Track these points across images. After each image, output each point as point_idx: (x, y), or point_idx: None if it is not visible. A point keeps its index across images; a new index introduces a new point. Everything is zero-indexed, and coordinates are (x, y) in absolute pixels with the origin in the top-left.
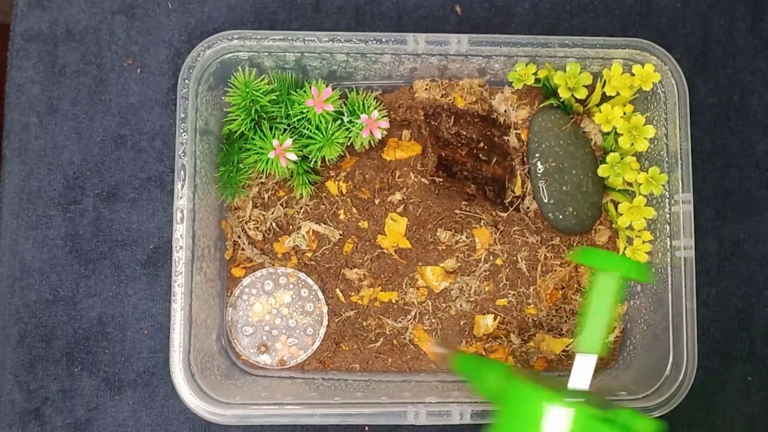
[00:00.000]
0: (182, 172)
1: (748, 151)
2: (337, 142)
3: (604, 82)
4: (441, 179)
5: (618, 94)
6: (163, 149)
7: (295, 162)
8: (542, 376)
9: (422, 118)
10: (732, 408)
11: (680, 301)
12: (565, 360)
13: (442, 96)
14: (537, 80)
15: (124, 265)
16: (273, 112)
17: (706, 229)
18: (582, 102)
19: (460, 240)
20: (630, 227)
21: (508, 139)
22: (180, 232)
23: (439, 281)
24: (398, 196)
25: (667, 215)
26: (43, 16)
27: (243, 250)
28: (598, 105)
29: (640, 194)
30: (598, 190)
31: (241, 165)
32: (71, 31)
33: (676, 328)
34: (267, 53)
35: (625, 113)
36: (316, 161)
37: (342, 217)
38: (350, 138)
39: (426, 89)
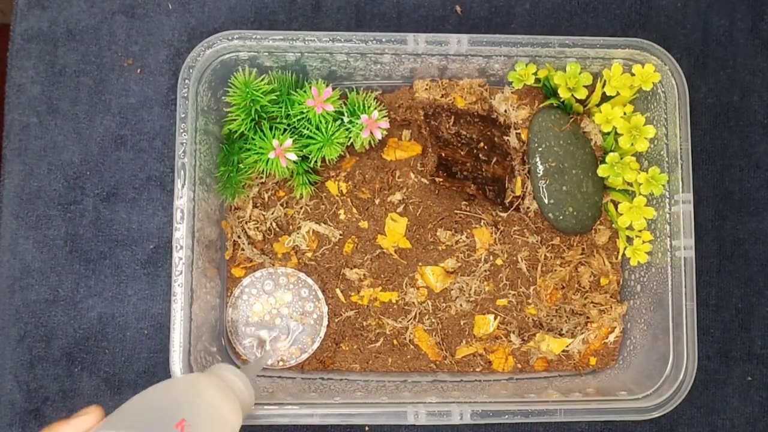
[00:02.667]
0: (182, 172)
1: (748, 151)
2: (337, 142)
3: (604, 82)
4: (441, 179)
5: (618, 94)
6: (163, 149)
7: (295, 162)
8: None
9: (422, 118)
10: (732, 408)
11: (680, 301)
12: (565, 360)
13: (442, 96)
14: (537, 80)
15: (124, 265)
16: (273, 112)
17: (706, 229)
18: (582, 102)
19: (460, 240)
20: (630, 227)
21: (508, 139)
22: (180, 232)
23: (439, 281)
24: (398, 196)
25: (667, 215)
26: (43, 16)
27: (243, 250)
28: (598, 105)
29: (640, 194)
30: (598, 190)
31: (241, 165)
32: (71, 31)
33: (676, 328)
34: (267, 53)
35: (625, 113)
36: (316, 161)
37: (342, 217)
38: (350, 138)
39: (426, 89)
